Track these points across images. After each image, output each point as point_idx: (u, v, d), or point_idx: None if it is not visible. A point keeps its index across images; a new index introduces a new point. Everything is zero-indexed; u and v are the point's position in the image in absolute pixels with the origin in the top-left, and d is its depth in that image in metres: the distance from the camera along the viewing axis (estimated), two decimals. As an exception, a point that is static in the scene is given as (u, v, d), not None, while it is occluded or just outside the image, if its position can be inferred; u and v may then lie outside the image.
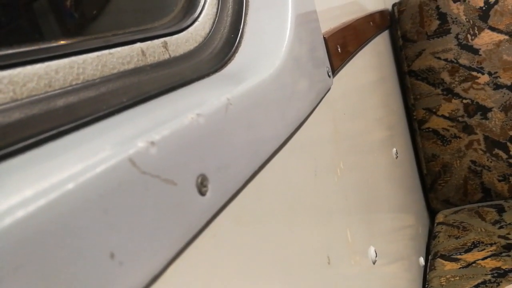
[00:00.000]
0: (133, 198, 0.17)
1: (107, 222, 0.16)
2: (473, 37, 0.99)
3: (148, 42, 0.31)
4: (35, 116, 0.20)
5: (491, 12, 0.98)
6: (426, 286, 0.80)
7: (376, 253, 0.55)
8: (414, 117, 1.06)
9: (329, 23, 0.58)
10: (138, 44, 0.30)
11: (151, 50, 0.31)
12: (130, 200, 0.17)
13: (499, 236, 0.87)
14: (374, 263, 0.54)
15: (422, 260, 0.88)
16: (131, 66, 0.29)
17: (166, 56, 0.32)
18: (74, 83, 0.24)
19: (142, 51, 0.30)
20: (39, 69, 0.22)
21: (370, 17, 0.83)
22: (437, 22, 1.01)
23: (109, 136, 0.20)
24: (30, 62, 0.21)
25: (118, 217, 0.17)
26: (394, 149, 0.84)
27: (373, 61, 0.85)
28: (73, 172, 0.16)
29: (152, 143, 0.19)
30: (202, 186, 0.21)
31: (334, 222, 0.46)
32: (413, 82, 1.05)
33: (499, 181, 1.01)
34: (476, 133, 1.01)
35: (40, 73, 0.22)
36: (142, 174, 0.18)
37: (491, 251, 0.83)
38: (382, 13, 0.97)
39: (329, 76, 0.50)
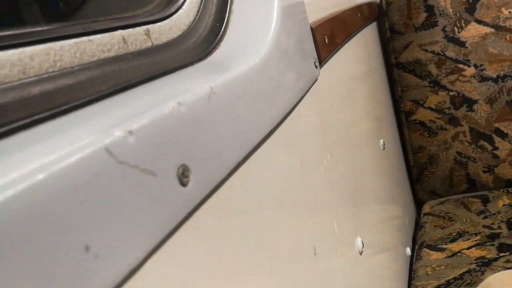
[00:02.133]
0: (110, 189, 0.17)
1: (82, 214, 0.16)
2: (459, 30, 1.00)
3: (130, 30, 0.30)
4: (7, 104, 0.19)
5: (478, 5, 0.98)
6: (412, 275, 0.81)
7: (363, 244, 0.55)
8: (401, 109, 1.06)
9: (316, 14, 0.57)
10: (119, 32, 0.29)
11: (133, 38, 0.30)
12: (107, 191, 0.17)
13: (484, 226, 0.89)
14: (361, 253, 0.54)
15: (408, 250, 0.89)
16: (112, 54, 0.28)
17: (149, 44, 0.31)
18: (50, 70, 0.23)
19: (124, 39, 0.29)
20: (12, 55, 0.21)
21: (358, 8, 0.83)
22: (425, 14, 1.01)
23: (86, 125, 0.19)
24: (2, 48, 0.20)
25: (94, 209, 0.16)
26: (381, 141, 0.84)
27: (360, 52, 0.84)
28: (45, 162, 0.15)
29: (130, 132, 0.18)
30: (183, 177, 0.21)
31: (320, 213, 0.46)
32: (401, 74, 1.05)
33: (484, 172, 1.02)
34: (462, 125, 1.02)
35: (14, 60, 0.21)
36: (119, 164, 0.17)
37: (475, 240, 0.84)
38: (370, 4, 0.97)
39: (316, 67, 0.50)
